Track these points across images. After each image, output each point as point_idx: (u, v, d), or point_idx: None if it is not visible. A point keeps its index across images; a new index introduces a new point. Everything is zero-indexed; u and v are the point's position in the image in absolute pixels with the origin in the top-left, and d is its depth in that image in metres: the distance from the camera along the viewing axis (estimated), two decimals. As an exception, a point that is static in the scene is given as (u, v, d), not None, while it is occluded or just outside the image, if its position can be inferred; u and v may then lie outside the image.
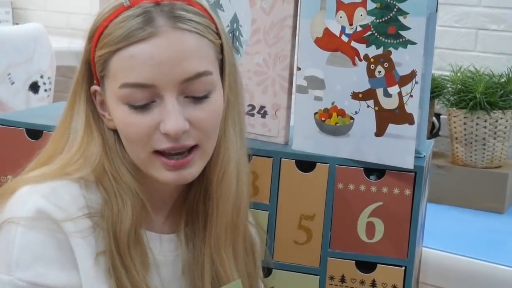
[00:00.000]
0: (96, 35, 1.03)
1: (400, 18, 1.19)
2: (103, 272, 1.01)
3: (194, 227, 1.13)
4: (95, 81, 1.07)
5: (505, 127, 2.24)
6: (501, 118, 2.22)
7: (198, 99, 1.03)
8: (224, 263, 1.11)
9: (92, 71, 1.06)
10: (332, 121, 1.28)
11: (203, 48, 1.03)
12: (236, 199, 1.11)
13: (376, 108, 1.23)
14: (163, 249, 1.11)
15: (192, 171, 1.05)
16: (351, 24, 1.24)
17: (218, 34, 1.07)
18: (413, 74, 1.20)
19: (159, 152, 1.03)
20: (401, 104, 1.21)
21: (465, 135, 2.25)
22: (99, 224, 1.02)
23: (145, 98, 1.00)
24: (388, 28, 1.20)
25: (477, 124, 2.22)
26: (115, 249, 1.02)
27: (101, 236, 1.02)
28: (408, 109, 1.21)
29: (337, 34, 1.25)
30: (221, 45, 1.08)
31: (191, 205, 1.13)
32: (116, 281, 1.02)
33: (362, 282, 1.28)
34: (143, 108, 1.01)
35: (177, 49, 1.00)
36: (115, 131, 1.07)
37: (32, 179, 1.04)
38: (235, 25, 1.37)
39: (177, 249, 1.13)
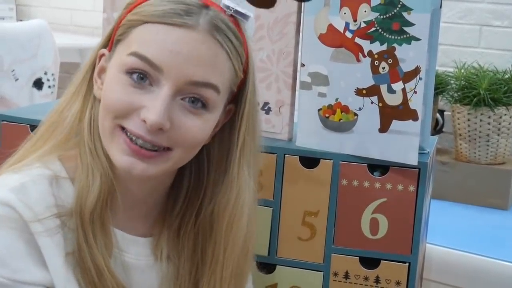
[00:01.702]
0: (137, 2, 1.02)
1: (404, 14, 1.19)
2: (73, 272, 1.00)
3: (180, 249, 1.10)
4: (108, 47, 1.05)
5: (509, 124, 2.24)
6: (505, 115, 2.22)
7: (193, 107, 0.99)
8: None
9: (112, 37, 1.04)
10: (336, 118, 1.28)
11: (224, 67, 1.00)
12: (244, 244, 1.08)
13: (380, 104, 1.23)
14: (136, 252, 1.08)
15: (148, 170, 0.99)
16: (355, 20, 1.23)
17: (245, 70, 1.05)
18: (417, 71, 1.20)
19: (124, 130, 0.98)
20: (405, 100, 1.21)
21: (469, 131, 2.25)
22: (67, 223, 1.00)
23: (146, 77, 0.97)
24: (392, 24, 1.20)
25: (481, 120, 2.22)
26: (80, 224, 0.99)
27: (70, 237, 1.00)
28: (412, 105, 1.21)
29: (341, 30, 1.25)
30: (244, 81, 1.05)
31: (178, 224, 1.10)
32: (80, 262, 0.99)
33: (366, 278, 1.28)
34: (139, 83, 0.97)
35: (201, 52, 0.97)
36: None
37: (5, 168, 1.03)
38: (239, 21, 1.37)
39: (151, 255, 1.10)
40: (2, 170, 1.05)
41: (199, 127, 1.00)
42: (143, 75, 0.97)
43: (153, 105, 0.96)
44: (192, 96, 0.98)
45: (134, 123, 0.98)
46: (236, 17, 1.03)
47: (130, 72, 0.98)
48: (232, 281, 1.09)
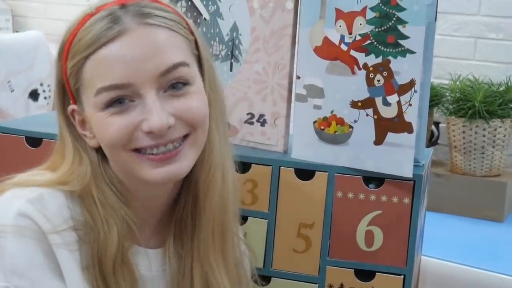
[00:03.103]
0: (65, 48, 1.01)
1: (399, 27, 1.19)
2: (90, 286, 1.00)
3: (183, 240, 1.11)
4: (71, 101, 1.04)
5: (504, 136, 2.24)
6: (500, 127, 2.23)
7: (178, 90, 1.00)
8: (214, 270, 1.09)
9: (67, 89, 1.03)
10: (331, 130, 1.28)
11: (176, 42, 1.01)
12: (221, 200, 1.08)
13: (375, 117, 1.24)
14: (150, 264, 1.09)
15: (183, 165, 1.01)
16: (350, 33, 1.24)
17: (190, 31, 1.05)
18: (412, 83, 1.20)
19: (140, 150, 0.99)
20: (400, 113, 1.22)
21: (464, 143, 2.26)
22: (83, 238, 1.00)
23: (123, 99, 0.97)
24: (387, 37, 1.21)
25: (476, 132, 2.23)
26: (100, 276, 1.00)
27: (85, 251, 1.00)
28: (407, 117, 1.21)
29: (336, 43, 1.25)
30: (196, 42, 1.06)
31: (180, 218, 1.10)
32: None
33: (361, 291, 1.28)
34: (121, 107, 0.97)
35: (149, 44, 0.98)
36: (98, 151, 1.04)
37: (19, 182, 1.03)
38: (234, 33, 1.37)
39: (164, 264, 1.10)
40: (9, 185, 1.03)
41: (195, 101, 1.01)
42: (120, 100, 0.98)
43: (150, 113, 0.97)
44: (171, 84, 0.99)
45: (143, 139, 0.98)
46: None
47: (108, 105, 0.98)
48: (216, 240, 1.09)
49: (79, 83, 1.00)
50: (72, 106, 1.04)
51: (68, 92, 1.03)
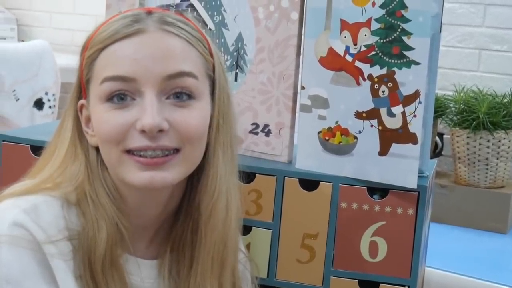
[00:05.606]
0: (88, 40, 1.04)
1: (404, 38, 1.20)
2: None
3: (179, 258, 1.10)
4: (82, 96, 1.06)
5: (508, 147, 2.24)
6: (504, 138, 2.22)
7: (181, 101, 1.01)
8: None
9: (81, 83, 1.05)
10: (335, 140, 1.28)
11: (189, 54, 1.03)
12: (224, 229, 1.08)
13: (380, 128, 1.24)
14: (143, 275, 1.08)
15: (167, 176, 1.00)
16: (355, 44, 1.24)
17: (210, 52, 1.07)
18: (416, 94, 1.20)
19: (131, 152, 1.00)
20: (405, 124, 1.22)
21: (468, 155, 2.26)
22: (77, 248, 1.00)
23: (125, 95, 0.99)
24: (392, 48, 1.21)
25: (480, 144, 2.23)
26: (89, 274, 1.00)
27: (79, 259, 1.00)
28: (412, 128, 1.21)
29: (341, 53, 1.26)
30: (213, 66, 1.07)
31: (178, 239, 1.10)
32: None
33: (364, 302, 1.27)
34: (122, 103, 0.99)
35: (162, 47, 1.00)
36: (98, 151, 1.05)
37: (12, 194, 1.03)
38: (239, 44, 1.38)
39: (158, 277, 1.10)
40: (3, 197, 1.04)
41: (194, 117, 1.02)
42: (122, 95, 1.00)
43: (145, 112, 0.98)
44: (175, 92, 1.01)
45: (135, 139, 0.99)
46: (180, 10, 1.08)
47: (110, 98, 1.00)
48: (214, 267, 1.09)
49: (90, 73, 1.03)
50: (82, 101, 1.06)
51: (81, 85, 1.05)
